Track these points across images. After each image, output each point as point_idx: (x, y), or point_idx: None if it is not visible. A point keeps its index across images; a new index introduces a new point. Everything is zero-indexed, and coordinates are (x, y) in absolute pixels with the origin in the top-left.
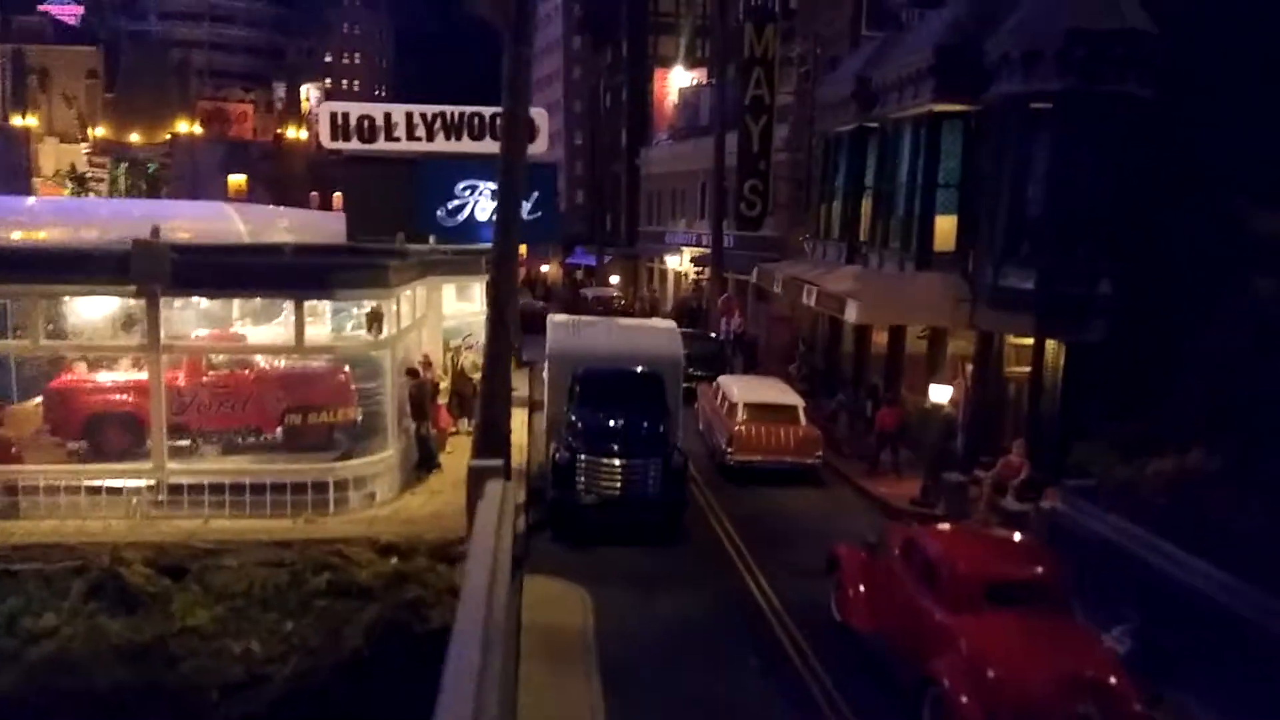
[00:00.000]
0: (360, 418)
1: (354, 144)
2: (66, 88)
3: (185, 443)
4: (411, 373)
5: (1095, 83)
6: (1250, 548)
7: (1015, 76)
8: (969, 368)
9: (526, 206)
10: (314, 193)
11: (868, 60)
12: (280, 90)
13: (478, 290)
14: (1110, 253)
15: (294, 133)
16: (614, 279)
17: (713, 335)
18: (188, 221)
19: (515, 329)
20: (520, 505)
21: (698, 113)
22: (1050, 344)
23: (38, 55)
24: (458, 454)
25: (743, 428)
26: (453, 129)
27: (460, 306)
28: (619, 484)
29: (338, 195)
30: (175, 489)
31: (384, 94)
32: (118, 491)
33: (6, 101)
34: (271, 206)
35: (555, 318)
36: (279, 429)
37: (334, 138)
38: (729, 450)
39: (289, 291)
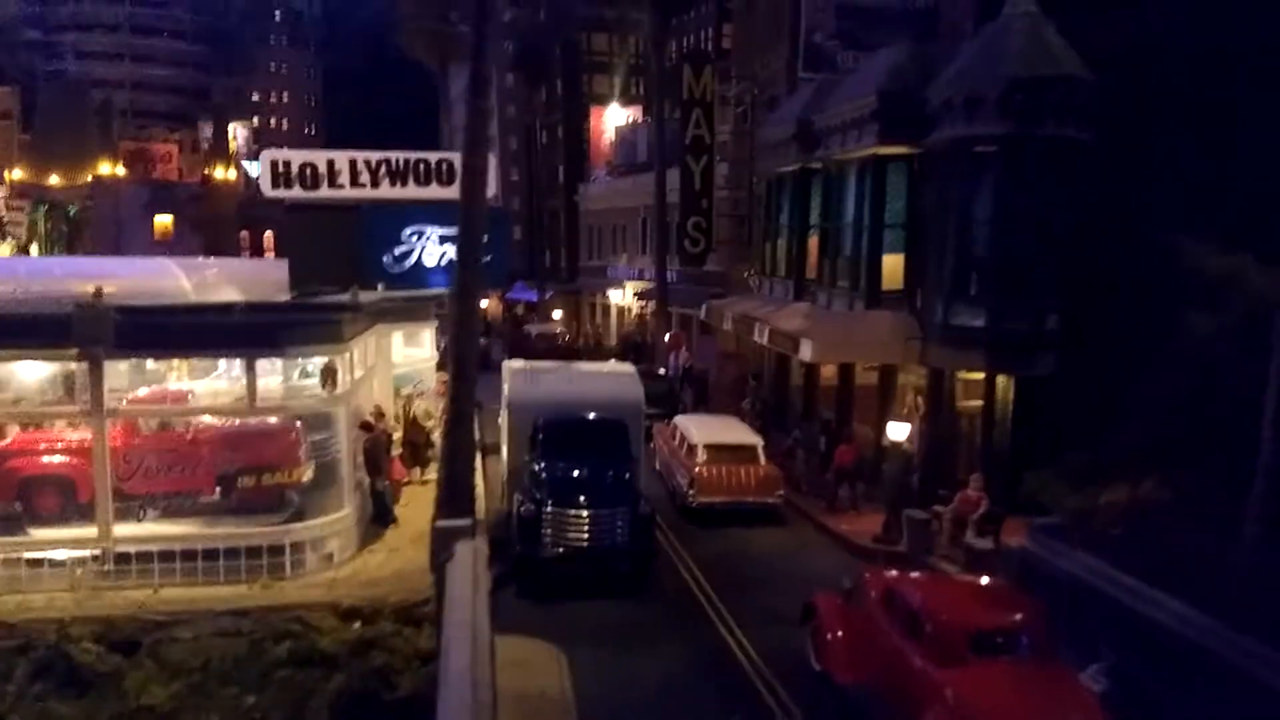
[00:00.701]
0: (313, 475)
1: (296, 191)
2: None
3: (130, 508)
4: (365, 426)
5: (1035, 126)
6: (1209, 579)
7: (958, 121)
8: (918, 400)
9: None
10: (244, 232)
11: (808, 103)
12: (207, 130)
13: (426, 336)
14: (1056, 289)
15: (222, 173)
16: (556, 314)
17: (661, 372)
18: (129, 280)
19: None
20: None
21: (635, 149)
22: (1000, 378)
23: None
24: (413, 505)
25: (704, 469)
26: (398, 175)
27: (410, 353)
28: (586, 535)
29: (269, 234)
30: (122, 558)
31: (313, 132)
32: (61, 563)
33: None
34: (212, 259)
35: (511, 364)
36: (229, 492)
37: (275, 185)
38: (690, 492)
39: (240, 351)
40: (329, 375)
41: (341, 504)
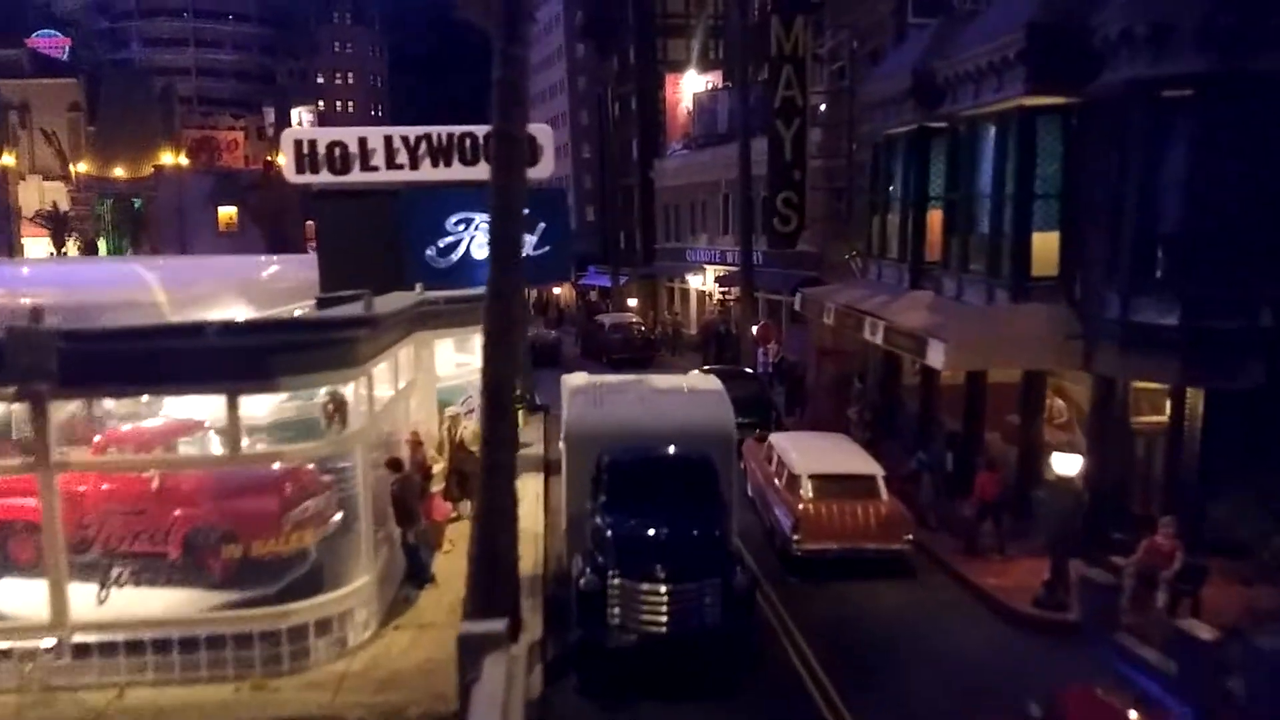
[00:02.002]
0: (324, 535)
1: (325, 176)
2: (47, 122)
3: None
4: (393, 464)
5: (1249, 60)
6: None
7: (1139, 58)
8: (1062, 406)
9: (532, 241)
10: (309, 222)
11: (927, 50)
12: (271, 115)
13: (478, 342)
14: (1269, 275)
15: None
16: (632, 301)
17: (748, 371)
18: (86, 291)
19: (526, 370)
20: (535, 645)
21: (715, 119)
22: (1189, 390)
23: (15, 90)
24: (459, 551)
25: (810, 507)
26: (440, 153)
27: (459, 360)
28: (665, 617)
29: None
30: (82, 649)
31: (380, 114)
32: (5, 655)
33: None
34: (211, 258)
35: (571, 380)
36: (204, 563)
37: (300, 170)
38: (794, 537)
39: (218, 385)
40: (336, 410)
41: (359, 572)
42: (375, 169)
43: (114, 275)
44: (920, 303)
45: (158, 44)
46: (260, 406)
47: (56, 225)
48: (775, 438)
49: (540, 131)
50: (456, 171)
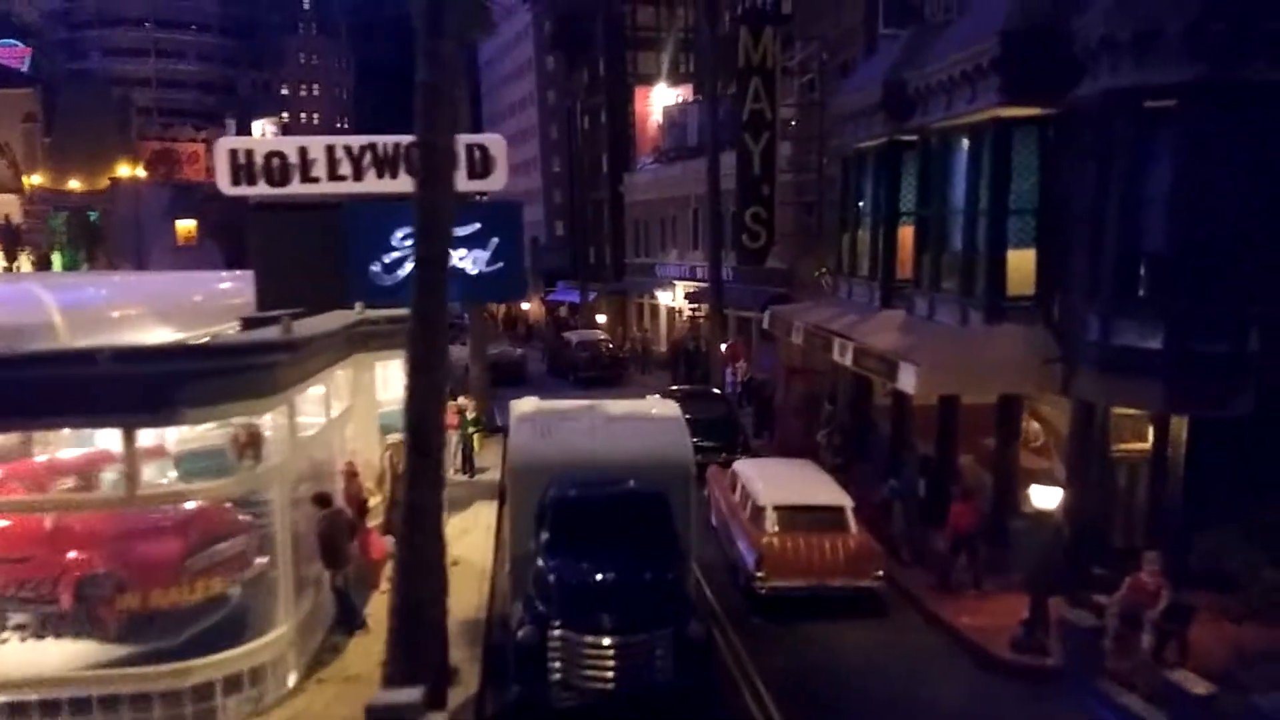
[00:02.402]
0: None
1: (262, 188)
2: (2, 134)
3: None
4: (320, 499)
5: (1240, 68)
6: None
7: (1122, 66)
8: (1035, 429)
9: (484, 257)
10: None
11: (898, 60)
12: (233, 127)
13: None
14: (1261, 294)
15: None
16: (600, 318)
17: (716, 391)
18: None
19: (485, 390)
20: (471, 700)
21: (685, 132)
22: (1174, 417)
23: None
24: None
25: (775, 541)
26: (386, 164)
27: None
28: (612, 673)
29: None
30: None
31: (345, 126)
32: None
33: None
34: (120, 275)
35: (519, 406)
36: (96, 613)
37: (236, 181)
38: (758, 574)
39: (112, 417)
40: (249, 443)
41: (276, 621)
42: (316, 180)
43: (3, 295)
44: (891, 323)
45: (119, 54)
46: (171, 432)
47: (8, 239)
48: (739, 465)
49: (492, 142)
50: (403, 184)
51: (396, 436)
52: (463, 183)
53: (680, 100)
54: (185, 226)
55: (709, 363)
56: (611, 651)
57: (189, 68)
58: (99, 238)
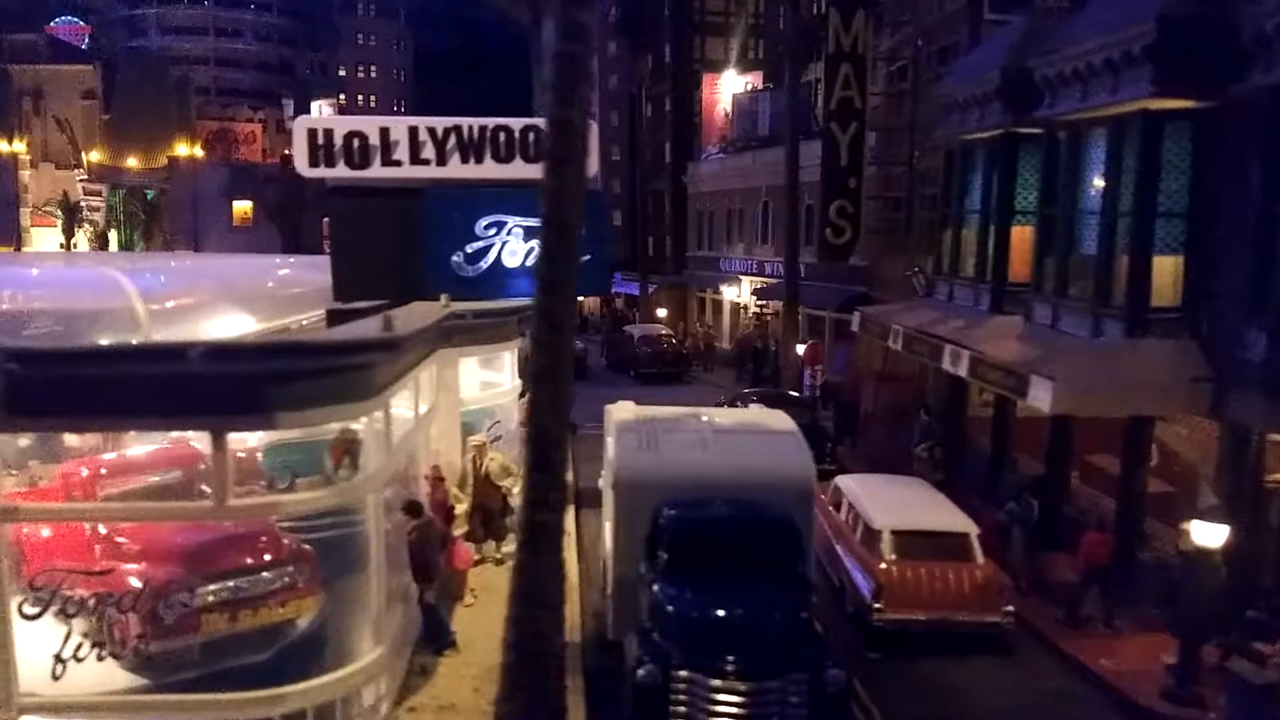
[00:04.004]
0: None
1: (341, 170)
2: (61, 110)
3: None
4: (411, 509)
5: None
6: None
7: None
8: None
9: None
10: (326, 218)
11: (1018, 45)
12: (290, 108)
13: (507, 360)
14: None
15: None
16: (661, 311)
17: (794, 395)
18: (43, 298)
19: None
20: None
21: (756, 121)
22: None
23: (30, 75)
24: (485, 604)
25: (894, 569)
26: (471, 148)
27: (484, 379)
28: None
29: None
30: None
31: (402, 110)
32: None
33: None
34: (212, 259)
35: (618, 412)
36: (192, 636)
37: (314, 163)
38: (875, 605)
39: (202, 420)
40: (346, 452)
41: (367, 645)
42: (398, 163)
43: (83, 280)
44: (1009, 331)
45: (176, 32)
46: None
47: (67, 215)
48: (844, 481)
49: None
50: (489, 169)
51: (479, 438)
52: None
53: (750, 88)
54: (242, 207)
55: (778, 363)
56: (742, 698)
57: (246, 47)
58: (156, 216)
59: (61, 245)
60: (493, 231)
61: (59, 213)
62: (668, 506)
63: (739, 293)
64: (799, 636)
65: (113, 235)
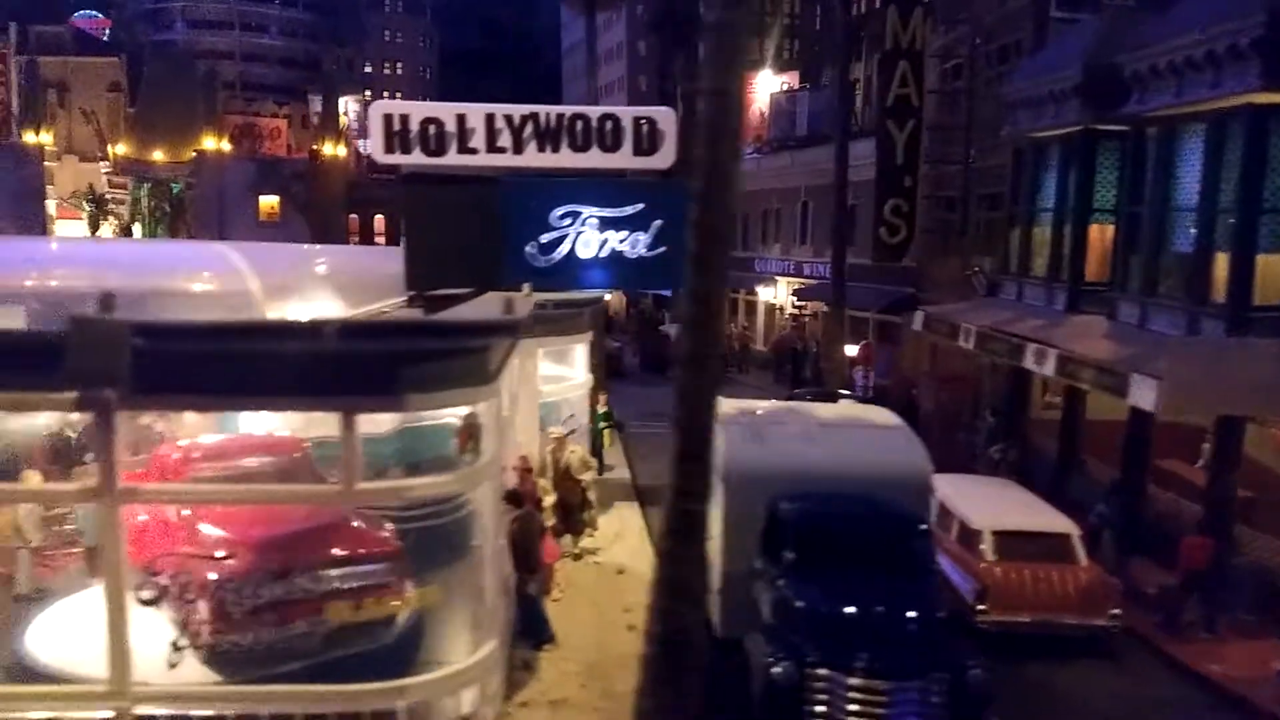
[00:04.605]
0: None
1: (417, 157)
2: (87, 102)
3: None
4: (511, 498)
5: None
6: None
7: None
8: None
9: (645, 241)
10: (352, 215)
11: (1101, 41)
12: (316, 103)
13: (579, 353)
14: None
15: (331, 149)
16: None
17: (845, 395)
18: (164, 277)
19: (604, 378)
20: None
21: (794, 121)
22: None
23: (55, 67)
24: (571, 600)
25: (998, 571)
26: (548, 137)
27: (553, 373)
28: None
29: (379, 218)
30: None
31: None
32: None
33: (20, 116)
34: (296, 246)
35: (728, 404)
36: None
37: (390, 149)
38: (979, 607)
39: (333, 401)
40: (470, 437)
41: (484, 636)
42: (474, 151)
43: (195, 257)
44: (1093, 330)
45: (202, 26)
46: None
47: (93, 208)
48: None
49: (662, 116)
50: (565, 158)
51: (558, 431)
52: (627, 159)
53: (785, 87)
54: (268, 202)
55: (819, 364)
56: (882, 698)
57: (272, 42)
58: (181, 210)
59: (85, 237)
60: (567, 222)
61: (85, 205)
62: (785, 500)
63: (775, 294)
64: (938, 635)
65: (136, 228)
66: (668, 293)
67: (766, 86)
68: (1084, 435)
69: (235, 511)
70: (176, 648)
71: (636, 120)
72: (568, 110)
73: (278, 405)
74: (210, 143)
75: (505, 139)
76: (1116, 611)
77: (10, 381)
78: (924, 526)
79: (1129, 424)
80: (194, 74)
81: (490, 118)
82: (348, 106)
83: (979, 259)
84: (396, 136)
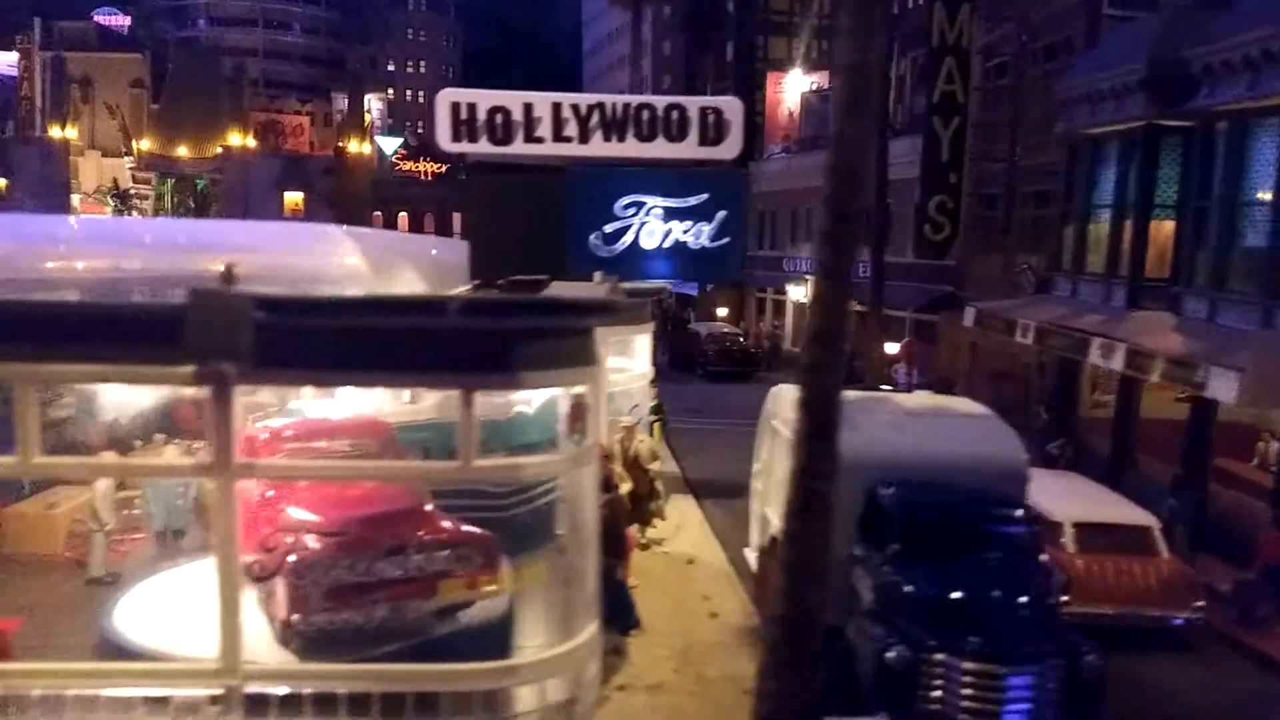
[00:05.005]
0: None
1: (483, 146)
2: (110, 98)
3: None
4: (602, 482)
5: None
6: None
7: None
8: (1274, 447)
9: (708, 231)
10: (376, 212)
11: (1166, 36)
12: (340, 101)
13: (641, 343)
14: None
15: (356, 146)
16: (721, 311)
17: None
18: (274, 254)
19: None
20: None
21: (825, 120)
22: None
23: (80, 63)
24: (645, 587)
25: (1080, 563)
26: (614, 126)
27: (616, 364)
28: (999, 706)
29: (403, 216)
30: (258, 703)
31: None
32: (160, 704)
33: (46, 112)
34: (379, 231)
35: (788, 394)
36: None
37: (456, 138)
38: (1062, 598)
39: (452, 378)
40: (579, 417)
41: (586, 616)
42: (540, 140)
43: (305, 235)
44: (1160, 325)
45: (225, 23)
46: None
47: (118, 203)
48: None
49: (728, 105)
50: (630, 147)
51: (627, 420)
52: (693, 149)
53: (815, 87)
54: (293, 199)
55: (854, 363)
56: (998, 682)
57: (295, 40)
58: (206, 205)
59: None
60: (631, 212)
61: (110, 199)
62: (887, 486)
63: (805, 293)
64: (1051, 621)
65: None
66: (693, 291)
67: (797, 86)
68: (1133, 429)
69: (323, 494)
70: (288, 625)
71: (703, 110)
72: (634, 99)
73: (396, 381)
74: (236, 139)
75: (571, 128)
76: (1200, 604)
77: (126, 355)
78: (1031, 513)
79: (1190, 422)
80: (218, 70)
81: (557, 106)
82: (371, 104)
83: (1025, 256)
84: (463, 125)
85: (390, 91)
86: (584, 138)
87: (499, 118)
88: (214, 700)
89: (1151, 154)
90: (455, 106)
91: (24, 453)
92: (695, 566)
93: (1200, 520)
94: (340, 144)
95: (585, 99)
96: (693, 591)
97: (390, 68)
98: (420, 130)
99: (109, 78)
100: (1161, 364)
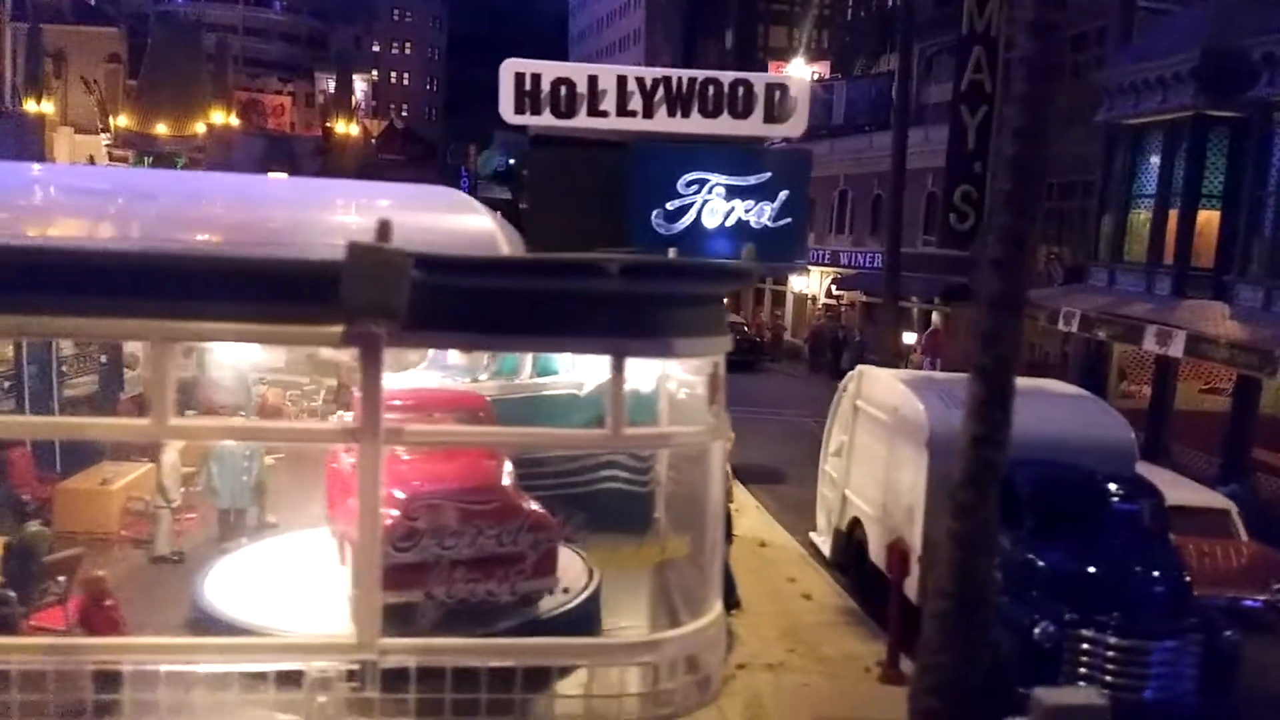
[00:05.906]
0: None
1: (546, 118)
2: (84, 72)
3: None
4: None
5: None
6: None
7: None
8: None
9: (770, 211)
10: None
11: (1217, 26)
12: (326, 82)
13: None
14: None
15: (344, 128)
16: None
17: None
18: (413, 216)
19: None
20: None
21: (830, 110)
22: None
23: (54, 36)
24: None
25: None
26: (678, 101)
27: None
28: (1140, 680)
29: None
30: (395, 677)
31: (435, 88)
32: (294, 680)
33: (19, 85)
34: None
35: (874, 375)
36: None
37: (520, 109)
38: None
39: (606, 343)
40: (715, 387)
41: (713, 595)
42: (604, 114)
43: (434, 195)
44: (1214, 313)
45: None
46: None
47: None
48: None
49: (794, 82)
50: (695, 123)
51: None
52: (757, 126)
53: (817, 77)
54: (277, 178)
55: (863, 353)
56: (1141, 657)
57: (275, 17)
58: None
59: None
60: (694, 189)
61: None
62: (1015, 466)
63: (807, 283)
64: (1186, 597)
65: None
66: None
67: (798, 76)
68: (1168, 416)
69: (411, 468)
70: (430, 596)
71: (769, 86)
72: (700, 74)
73: (546, 346)
74: (219, 117)
75: (636, 102)
76: (1279, 586)
77: (271, 313)
78: (1158, 493)
79: (1233, 413)
80: (199, 46)
81: (622, 80)
82: (355, 85)
83: (1052, 247)
84: (527, 96)
85: (374, 73)
86: (648, 112)
87: (563, 89)
88: (350, 675)
89: (1199, 144)
90: (519, 77)
91: (158, 415)
92: (769, 549)
93: (1258, 506)
94: (327, 124)
95: (650, 73)
96: (777, 574)
97: (375, 49)
98: (405, 114)
99: (83, 52)
100: (1226, 350)
